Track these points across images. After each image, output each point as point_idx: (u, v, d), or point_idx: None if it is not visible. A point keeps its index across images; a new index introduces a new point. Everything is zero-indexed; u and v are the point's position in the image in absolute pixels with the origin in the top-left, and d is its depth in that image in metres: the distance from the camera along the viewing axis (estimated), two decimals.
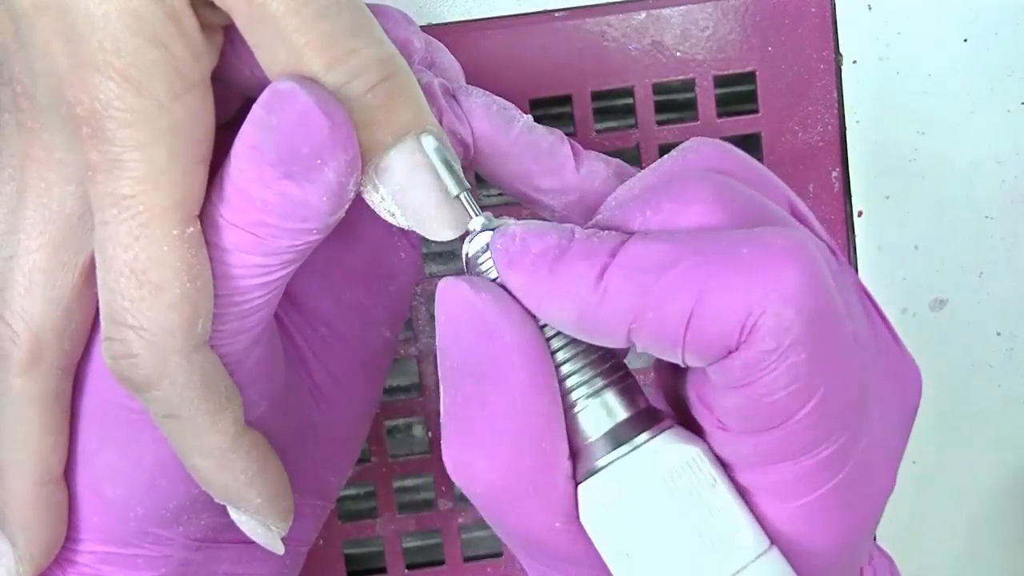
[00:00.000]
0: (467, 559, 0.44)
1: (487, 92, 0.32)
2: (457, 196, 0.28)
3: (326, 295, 0.33)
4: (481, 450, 0.27)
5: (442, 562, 0.44)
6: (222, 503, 0.31)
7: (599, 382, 0.28)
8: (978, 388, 0.44)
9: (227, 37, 0.28)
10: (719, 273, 0.25)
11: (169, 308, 0.27)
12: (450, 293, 0.27)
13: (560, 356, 0.28)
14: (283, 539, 0.32)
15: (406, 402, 0.43)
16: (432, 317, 0.43)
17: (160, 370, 0.28)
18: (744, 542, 0.27)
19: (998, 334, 0.44)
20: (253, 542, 0.32)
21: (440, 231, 0.28)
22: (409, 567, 0.44)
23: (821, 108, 0.42)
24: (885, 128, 0.42)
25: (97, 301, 0.29)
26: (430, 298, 0.42)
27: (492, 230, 0.28)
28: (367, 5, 0.28)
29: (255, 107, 0.27)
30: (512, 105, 0.32)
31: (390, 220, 0.28)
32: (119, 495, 0.31)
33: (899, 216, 0.43)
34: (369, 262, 0.34)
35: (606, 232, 0.27)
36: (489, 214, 0.28)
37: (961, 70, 0.42)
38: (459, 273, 0.28)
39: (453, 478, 0.28)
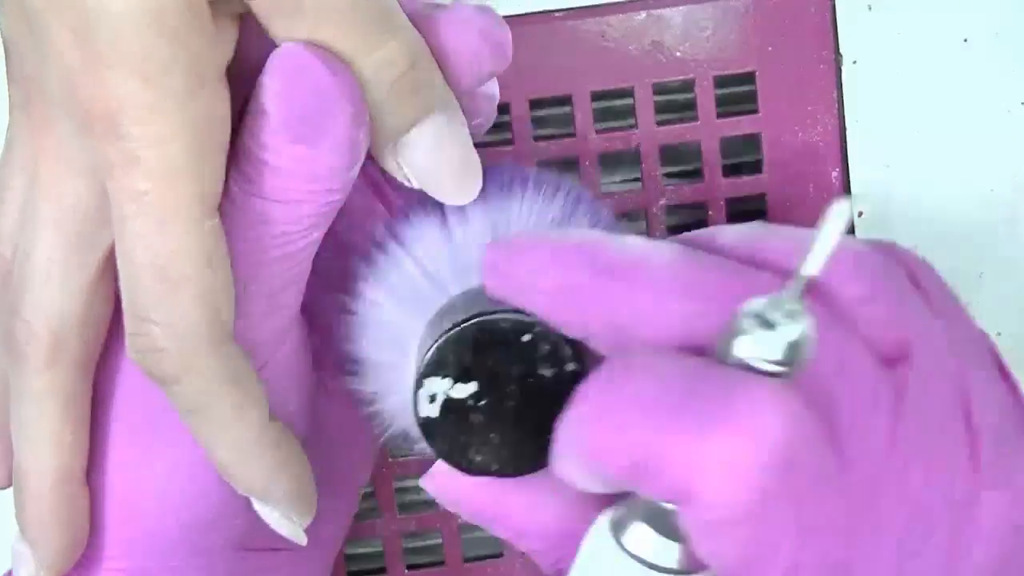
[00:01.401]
0: (467, 559, 0.44)
1: None
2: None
3: (328, 297, 0.33)
4: None
5: (442, 562, 0.44)
6: (246, 495, 0.31)
7: None
8: None
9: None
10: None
11: (192, 301, 0.27)
12: None
13: None
14: (312, 539, 0.32)
15: None
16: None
17: (187, 362, 0.27)
18: None
19: (998, 334, 0.44)
20: (279, 549, 0.32)
21: (456, 198, 0.29)
22: (409, 567, 0.44)
23: (821, 108, 0.42)
24: (885, 128, 0.42)
25: (115, 295, 0.29)
26: None
27: None
28: None
29: (262, 75, 0.27)
30: None
31: (407, 184, 0.29)
32: (147, 507, 0.31)
33: (899, 216, 0.43)
34: None
35: None
36: None
37: (961, 70, 0.42)
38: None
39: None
